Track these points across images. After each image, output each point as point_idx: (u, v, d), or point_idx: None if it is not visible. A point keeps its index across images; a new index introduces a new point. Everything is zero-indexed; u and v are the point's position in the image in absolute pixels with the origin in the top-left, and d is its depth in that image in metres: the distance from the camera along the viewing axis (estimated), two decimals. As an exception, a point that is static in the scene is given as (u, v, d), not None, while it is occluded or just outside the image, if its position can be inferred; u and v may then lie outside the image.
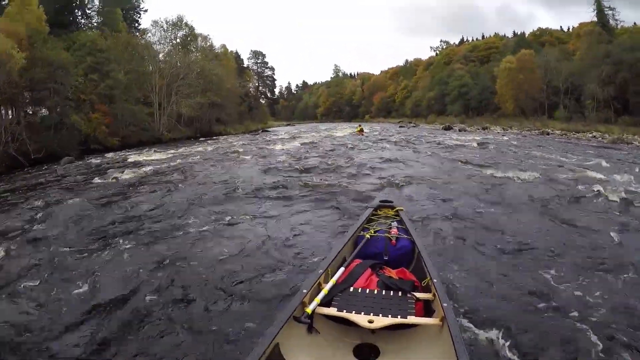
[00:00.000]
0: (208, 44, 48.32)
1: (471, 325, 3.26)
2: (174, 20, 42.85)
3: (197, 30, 44.91)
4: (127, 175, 12.11)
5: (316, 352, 2.50)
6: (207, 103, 38.97)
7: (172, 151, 20.57)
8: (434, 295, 2.75)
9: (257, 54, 70.72)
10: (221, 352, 3.04)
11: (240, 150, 17.73)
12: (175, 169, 13.17)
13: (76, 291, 4.10)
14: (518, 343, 3.04)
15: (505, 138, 24.66)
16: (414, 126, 51.58)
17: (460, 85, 57.09)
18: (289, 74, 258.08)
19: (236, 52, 62.88)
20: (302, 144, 20.62)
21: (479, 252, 4.92)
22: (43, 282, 4.37)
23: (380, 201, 4.93)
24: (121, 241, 5.56)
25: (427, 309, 2.78)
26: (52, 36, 25.98)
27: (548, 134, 30.01)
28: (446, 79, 61.55)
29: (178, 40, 43.54)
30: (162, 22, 42.79)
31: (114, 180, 11.40)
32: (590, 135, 27.98)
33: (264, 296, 3.88)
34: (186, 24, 43.65)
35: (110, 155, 21.85)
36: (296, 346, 2.41)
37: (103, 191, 9.71)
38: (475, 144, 17.95)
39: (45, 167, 17.53)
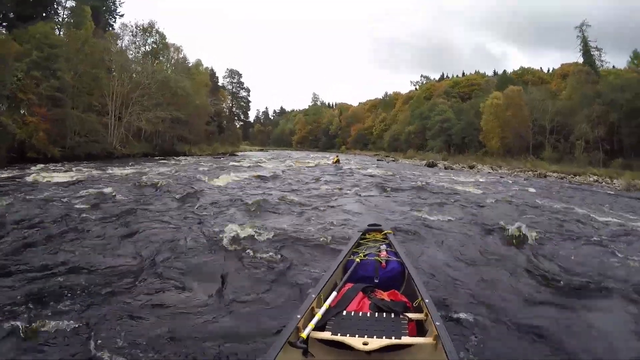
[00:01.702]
0: (180, 55, 45.26)
1: (463, 343, 3.35)
2: (144, 25, 39.72)
3: (170, 40, 41.78)
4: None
5: None
6: (169, 118, 35.22)
7: (97, 172, 16.63)
8: (426, 314, 2.79)
9: (233, 73, 67.40)
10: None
11: (166, 182, 13.15)
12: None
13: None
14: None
15: (508, 181, 21.79)
16: (393, 160, 48.98)
17: (442, 120, 55.08)
18: (267, 99, 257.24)
19: (212, 70, 59.58)
20: (260, 177, 16.65)
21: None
22: None
23: (369, 225, 5.09)
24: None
25: (419, 329, 2.81)
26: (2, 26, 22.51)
27: (545, 176, 27.25)
28: (427, 113, 59.84)
29: (147, 47, 40.32)
30: (131, 25, 39.71)
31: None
32: (591, 179, 25.40)
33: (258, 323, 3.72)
34: (157, 31, 40.54)
35: (36, 167, 17.97)
36: None
37: None
38: (489, 196, 13.53)
39: None
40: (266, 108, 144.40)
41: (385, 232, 4.64)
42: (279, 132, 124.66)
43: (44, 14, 32.92)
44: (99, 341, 3.26)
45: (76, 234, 6.31)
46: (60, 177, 13.94)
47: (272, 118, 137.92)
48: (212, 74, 58.48)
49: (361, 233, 4.70)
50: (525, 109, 41.67)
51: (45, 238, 6.00)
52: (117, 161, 25.72)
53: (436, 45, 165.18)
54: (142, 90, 32.03)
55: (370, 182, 16.73)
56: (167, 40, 42.33)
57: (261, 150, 79.15)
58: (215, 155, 40.23)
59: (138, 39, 39.59)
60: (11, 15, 31.47)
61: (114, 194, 9.97)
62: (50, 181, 12.64)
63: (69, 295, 4.05)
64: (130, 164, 23.08)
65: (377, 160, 48.64)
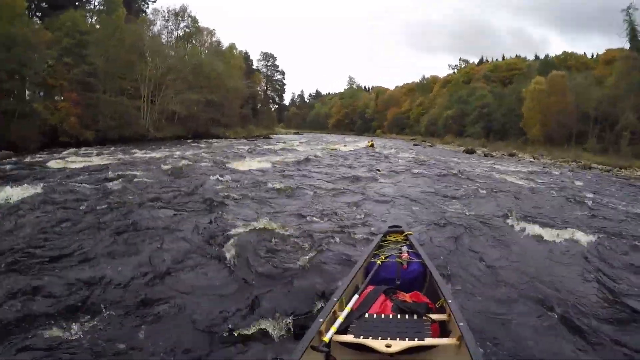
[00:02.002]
0: (214, 39, 45.19)
1: (487, 345, 3.33)
2: (176, 9, 39.74)
3: (203, 24, 41.66)
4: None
5: None
6: (203, 101, 35.26)
7: (123, 156, 17.05)
8: (449, 315, 2.78)
9: (267, 56, 67.07)
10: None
11: (190, 166, 13.19)
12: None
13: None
14: None
15: (553, 172, 20.50)
16: (430, 145, 48.03)
17: (482, 105, 53.15)
18: (302, 82, 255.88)
19: (245, 52, 59.41)
20: (290, 162, 16.53)
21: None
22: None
23: (389, 227, 4.99)
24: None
25: (443, 330, 2.79)
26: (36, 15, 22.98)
27: (590, 168, 25.71)
28: (466, 98, 57.91)
29: (180, 32, 40.39)
30: (163, 10, 39.81)
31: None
32: (639, 173, 23.79)
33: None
34: (189, 15, 40.47)
35: (66, 152, 18.36)
36: None
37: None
38: (534, 188, 12.77)
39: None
40: (302, 91, 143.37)
41: (406, 233, 4.62)
42: (314, 115, 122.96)
43: (76, 3, 33.28)
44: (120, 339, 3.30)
45: (81, 223, 6.17)
46: (83, 161, 14.06)
47: (307, 101, 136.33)
48: (246, 57, 58.36)
49: (382, 235, 4.67)
50: (569, 95, 39.41)
51: (56, 225, 6.00)
52: (149, 144, 26.01)
53: (474, 28, 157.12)
54: (175, 74, 32.06)
55: (406, 167, 16.45)
56: (199, 24, 42.27)
57: (296, 133, 78.48)
58: (249, 138, 40.22)
59: (170, 24, 39.76)
60: (44, 4, 31.98)
61: (133, 179, 9.95)
62: (71, 167, 12.72)
63: (73, 290, 4.03)
64: (161, 147, 23.25)
65: (414, 145, 47.65)
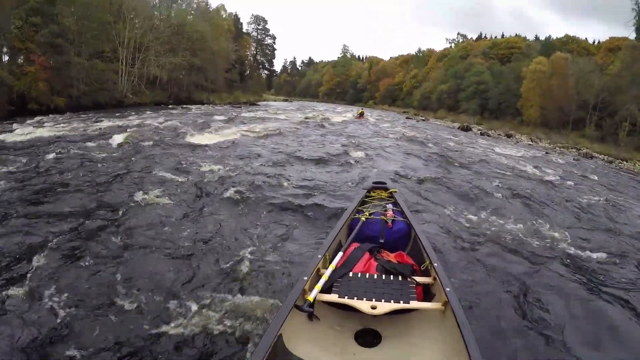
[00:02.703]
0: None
1: (473, 310, 3.40)
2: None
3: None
4: None
5: (318, 339, 2.48)
6: (186, 65, 33.01)
7: (89, 124, 15.52)
8: (435, 279, 2.79)
9: (258, 19, 63.61)
10: (227, 346, 2.99)
11: (149, 137, 12.02)
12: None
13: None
14: (520, 330, 3.21)
15: (558, 160, 18.74)
16: (423, 119, 46.21)
17: (478, 81, 51.33)
18: (295, 49, 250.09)
19: (235, 15, 56.29)
20: (262, 133, 15.05)
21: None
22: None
23: (374, 182, 4.91)
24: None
25: (426, 293, 2.82)
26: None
27: (591, 157, 24.21)
28: (463, 73, 56.01)
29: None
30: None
31: None
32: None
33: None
34: (173, -29, 37.74)
35: (31, 120, 16.59)
36: (298, 335, 2.38)
37: None
38: (546, 177, 11.78)
39: None
40: (294, 58, 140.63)
41: (391, 190, 4.55)
42: (305, 83, 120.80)
43: None
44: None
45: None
46: (32, 133, 12.38)
47: (299, 68, 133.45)
48: (235, 20, 55.36)
49: (366, 191, 4.60)
50: (571, 79, 37.74)
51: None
52: (125, 110, 24.25)
53: (475, 4, 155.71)
54: (155, 35, 29.65)
55: (400, 145, 15.24)
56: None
57: (285, 100, 76.52)
58: (234, 104, 38.35)
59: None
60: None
61: (71, 155, 8.89)
62: (13, 140, 11.17)
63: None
64: (133, 114, 21.39)
65: (406, 118, 45.96)
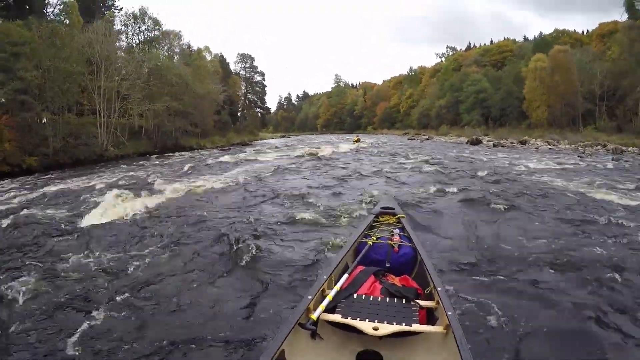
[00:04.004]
0: (181, 42, 41.32)
1: (474, 334, 3.28)
2: (135, 13, 35.80)
3: (172, 27, 37.81)
4: None
5: (320, 358, 2.49)
6: (171, 111, 31.23)
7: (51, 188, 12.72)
8: (438, 303, 2.76)
9: (245, 57, 62.23)
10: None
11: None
12: None
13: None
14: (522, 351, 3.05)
15: (606, 164, 15.30)
16: (427, 139, 43.81)
17: (477, 90, 49.52)
18: (289, 85, 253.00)
19: (221, 55, 55.18)
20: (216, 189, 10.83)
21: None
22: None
23: (382, 208, 4.89)
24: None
25: (430, 317, 2.78)
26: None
27: (622, 152, 21.31)
28: (459, 85, 54.52)
29: (140, 37, 36.49)
30: (121, 15, 35.93)
31: None
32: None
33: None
34: (150, 18, 36.50)
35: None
36: (301, 352, 2.38)
37: None
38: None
39: None
40: (289, 93, 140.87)
41: (399, 215, 4.53)
42: (302, 116, 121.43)
43: (29, 16, 29.32)
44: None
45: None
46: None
47: (295, 103, 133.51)
48: (222, 60, 54.23)
49: (374, 216, 4.58)
50: (574, 72, 35.88)
51: None
52: (103, 166, 22.29)
53: (455, 16, 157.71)
54: (131, 82, 27.91)
55: (413, 175, 12.36)
56: (163, 27, 38.22)
57: (283, 136, 75.49)
58: (225, 147, 36.47)
59: (130, 29, 36.06)
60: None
61: None
62: None
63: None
64: (104, 170, 19.23)
65: (409, 139, 43.85)
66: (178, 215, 7.48)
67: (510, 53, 59.27)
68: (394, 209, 4.80)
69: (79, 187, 12.08)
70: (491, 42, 73.35)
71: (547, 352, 3.06)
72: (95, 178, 15.09)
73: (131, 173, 16.04)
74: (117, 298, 4.01)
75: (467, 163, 16.35)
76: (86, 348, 3.22)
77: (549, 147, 26.17)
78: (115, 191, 9.47)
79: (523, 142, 29.36)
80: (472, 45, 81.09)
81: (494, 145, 28.91)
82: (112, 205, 8.13)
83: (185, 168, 16.89)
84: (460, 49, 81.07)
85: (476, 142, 32.10)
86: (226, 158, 21.71)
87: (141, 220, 7.21)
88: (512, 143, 29.82)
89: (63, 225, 6.98)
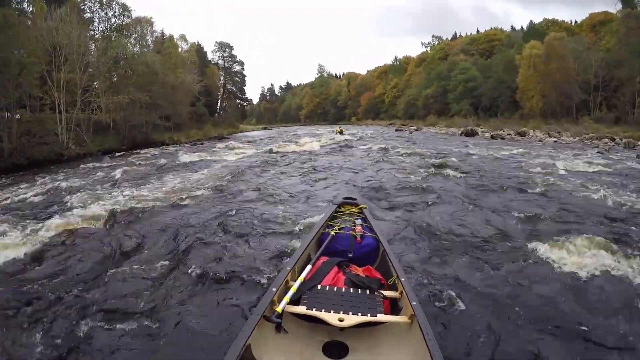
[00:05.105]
0: (152, 29, 38.44)
1: (438, 323, 3.27)
2: (102, -1, 32.90)
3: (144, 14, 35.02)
4: None
5: (286, 351, 2.47)
6: (139, 103, 28.54)
7: None
8: (401, 293, 2.78)
9: (223, 46, 58.92)
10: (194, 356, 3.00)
11: None
12: None
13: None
14: (488, 340, 3.07)
15: (633, 161, 13.75)
16: (416, 130, 41.58)
17: (466, 79, 47.74)
18: (272, 76, 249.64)
19: (198, 44, 52.16)
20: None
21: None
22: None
23: (344, 198, 4.92)
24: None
25: (394, 307, 2.79)
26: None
27: (634, 146, 19.17)
28: (447, 74, 52.75)
29: (106, 24, 33.64)
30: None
31: None
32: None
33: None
34: (117, 3, 33.66)
35: None
36: (267, 346, 2.37)
37: None
38: None
39: None
40: (272, 84, 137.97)
41: (361, 206, 4.56)
42: (286, 108, 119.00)
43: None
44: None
45: None
46: None
47: (278, 94, 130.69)
48: (199, 49, 51.32)
49: (336, 206, 4.61)
50: (570, 60, 34.32)
51: None
52: (60, 166, 19.76)
53: (436, 8, 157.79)
54: (91, 72, 25.15)
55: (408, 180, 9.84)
56: (133, 14, 35.25)
57: (265, 128, 72.95)
58: (198, 142, 33.96)
59: (95, 15, 33.18)
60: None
61: None
62: None
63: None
64: (55, 173, 16.70)
65: (396, 130, 41.69)
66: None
67: (498, 42, 57.88)
68: (355, 199, 4.88)
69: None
70: (477, 31, 71.83)
71: (511, 338, 3.04)
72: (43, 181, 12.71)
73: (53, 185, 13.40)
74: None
75: (487, 164, 13.17)
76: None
77: (553, 139, 24.11)
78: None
79: (522, 134, 27.40)
80: (457, 35, 79.78)
81: (492, 137, 26.90)
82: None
83: (117, 175, 12.92)
84: (446, 38, 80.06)
85: (471, 134, 30.12)
86: (187, 157, 18.69)
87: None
88: (509, 134, 27.83)
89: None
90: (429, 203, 7.41)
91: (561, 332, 3.14)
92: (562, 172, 10.97)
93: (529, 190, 8.30)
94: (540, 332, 3.14)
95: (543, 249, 4.76)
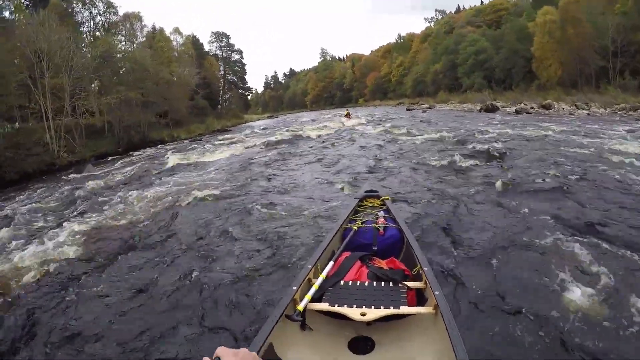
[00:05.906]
0: (142, 24, 36.70)
1: (464, 313, 3.26)
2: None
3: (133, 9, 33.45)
4: None
5: (311, 348, 2.40)
6: (132, 102, 26.98)
7: None
8: (425, 283, 2.69)
9: (219, 36, 56.90)
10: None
11: None
12: None
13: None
14: (511, 330, 3.00)
15: None
16: (429, 108, 39.57)
17: (475, 51, 45.45)
18: (275, 64, 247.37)
19: (193, 36, 50.37)
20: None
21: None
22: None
23: (366, 191, 4.81)
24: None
25: (419, 298, 2.71)
26: None
27: None
28: (455, 47, 50.41)
29: (92, 23, 32.11)
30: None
31: None
32: None
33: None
34: (101, 1, 32.08)
35: None
36: (290, 344, 2.29)
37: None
38: None
39: None
40: (275, 72, 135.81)
41: (383, 198, 4.43)
42: (291, 94, 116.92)
43: None
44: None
45: None
46: None
47: (282, 82, 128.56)
48: (195, 41, 49.50)
49: (358, 200, 4.49)
50: (587, 25, 31.86)
51: None
52: (51, 177, 18.47)
53: None
54: (77, 75, 23.54)
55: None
56: (119, 10, 33.89)
57: (271, 117, 70.79)
58: (199, 136, 32.79)
59: (79, 15, 31.71)
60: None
61: None
62: None
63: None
64: (48, 184, 15.20)
65: (407, 109, 39.63)
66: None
67: (505, 11, 55.21)
68: (377, 191, 4.72)
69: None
70: (482, 2, 69.14)
71: (533, 331, 2.96)
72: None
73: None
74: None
75: (553, 148, 10.51)
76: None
77: (585, 112, 21.99)
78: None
79: (546, 107, 25.16)
80: (461, 8, 76.83)
81: (517, 112, 24.64)
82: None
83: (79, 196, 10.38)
84: (450, 12, 77.33)
85: (492, 109, 28.02)
86: (176, 160, 16.55)
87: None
88: (532, 108, 25.69)
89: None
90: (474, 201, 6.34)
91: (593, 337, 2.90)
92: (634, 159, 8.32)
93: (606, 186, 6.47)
94: (569, 334, 2.95)
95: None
